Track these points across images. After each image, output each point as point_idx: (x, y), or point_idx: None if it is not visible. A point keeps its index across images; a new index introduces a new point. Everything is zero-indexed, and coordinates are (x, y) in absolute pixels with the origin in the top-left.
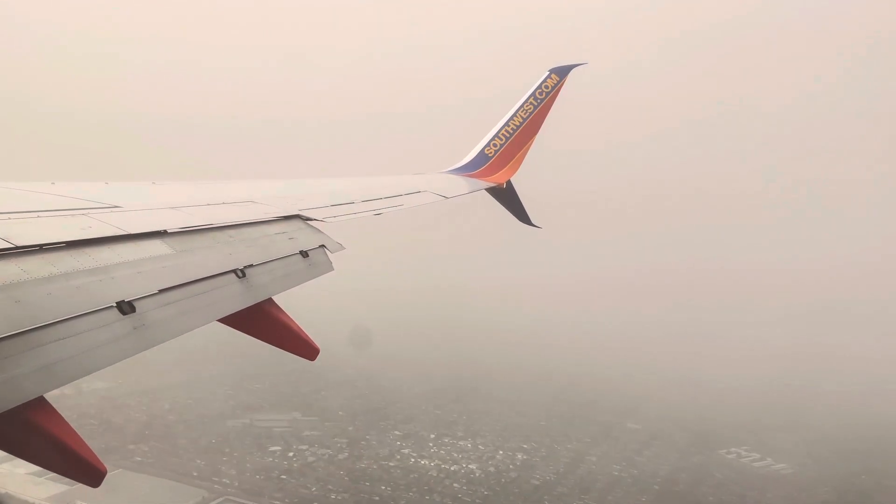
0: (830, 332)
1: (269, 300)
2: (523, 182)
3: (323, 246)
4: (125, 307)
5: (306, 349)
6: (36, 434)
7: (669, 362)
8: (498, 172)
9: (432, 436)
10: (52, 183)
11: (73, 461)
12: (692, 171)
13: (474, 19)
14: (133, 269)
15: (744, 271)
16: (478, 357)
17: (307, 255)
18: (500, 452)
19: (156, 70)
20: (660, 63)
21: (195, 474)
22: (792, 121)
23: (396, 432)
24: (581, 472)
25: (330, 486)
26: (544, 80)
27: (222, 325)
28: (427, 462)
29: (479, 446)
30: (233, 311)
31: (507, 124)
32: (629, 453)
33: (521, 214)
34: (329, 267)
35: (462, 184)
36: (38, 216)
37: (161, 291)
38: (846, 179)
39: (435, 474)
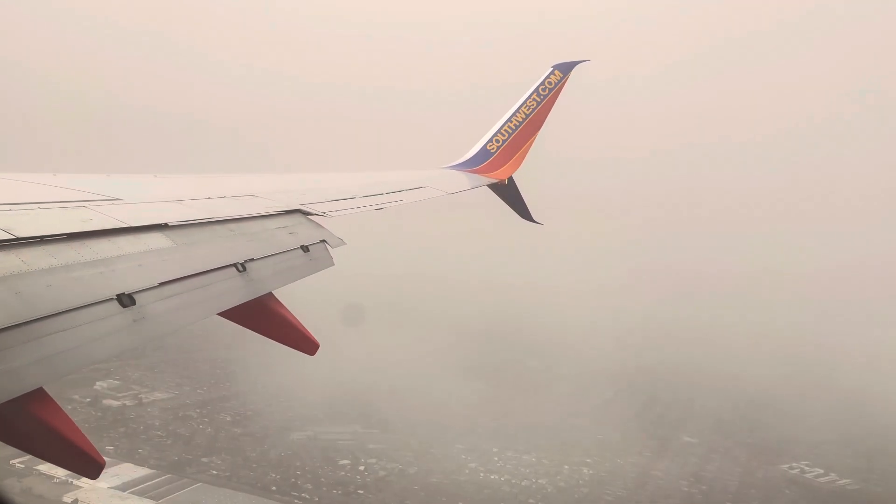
0: (860, 336)
1: (270, 294)
2: (526, 179)
3: (324, 241)
4: (125, 300)
5: (306, 344)
6: (35, 425)
7: (701, 369)
8: (500, 168)
9: (495, 449)
10: (54, 175)
11: (72, 453)
12: (704, 175)
13: (477, 16)
14: (133, 262)
15: (762, 273)
16: (512, 366)
17: (308, 250)
18: (566, 467)
19: (154, 61)
20: (663, 66)
21: (274, 488)
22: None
23: (459, 445)
24: (651, 487)
25: (408, 502)
26: (547, 77)
27: (261, 336)
28: (497, 477)
29: (544, 460)
30: (233, 305)
31: (509, 120)
32: (693, 468)
33: (523, 211)
34: (330, 262)
35: (464, 179)
36: (40, 208)
37: (161, 284)
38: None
39: (508, 489)
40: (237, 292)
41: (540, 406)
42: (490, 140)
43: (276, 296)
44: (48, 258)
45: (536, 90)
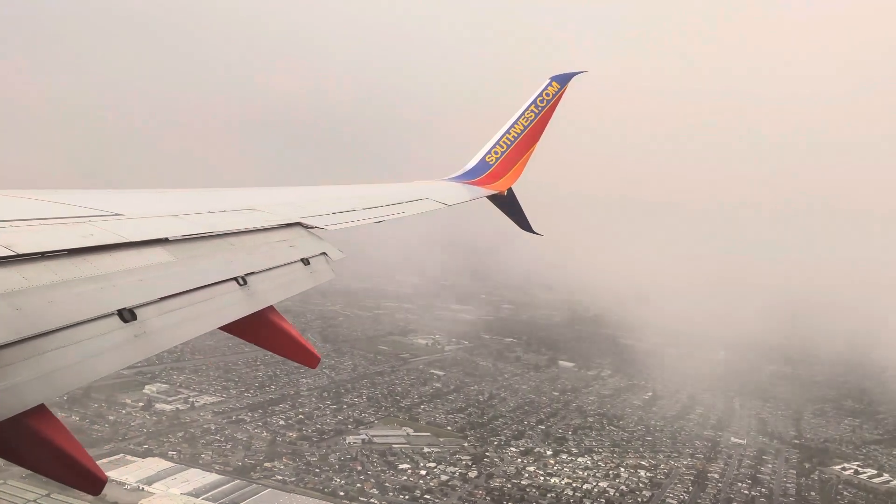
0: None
1: (271, 308)
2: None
3: (324, 253)
4: (126, 315)
5: (307, 357)
6: (37, 442)
7: (734, 368)
8: (499, 180)
9: (549, 452)
10: (55, 191)
11: (73, 469)
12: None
13: (478, 24)
14: (134, 277)
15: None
16: (548, 367)
17: (308, 263)
18: (622, 469)
19: (151, 70)
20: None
21: (342, 494)
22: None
23: (512, 449)
24: (711, 489)
25: None
26: (545, 88)
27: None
28: (557, 480)
29: (599, 463)
30: (234, 319)
31: (507, 132)
32: (747, 469)
33: (523, 222)
34: (330, 274)
35: (463, 191)
36: (40, 224)
37: (162, 299)
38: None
39: (571, 493)
40: (238, 306)
41: (582, 408)
42: (489, 152)
43: (276, 309)
44: (49, 274)
45: (534, 101)
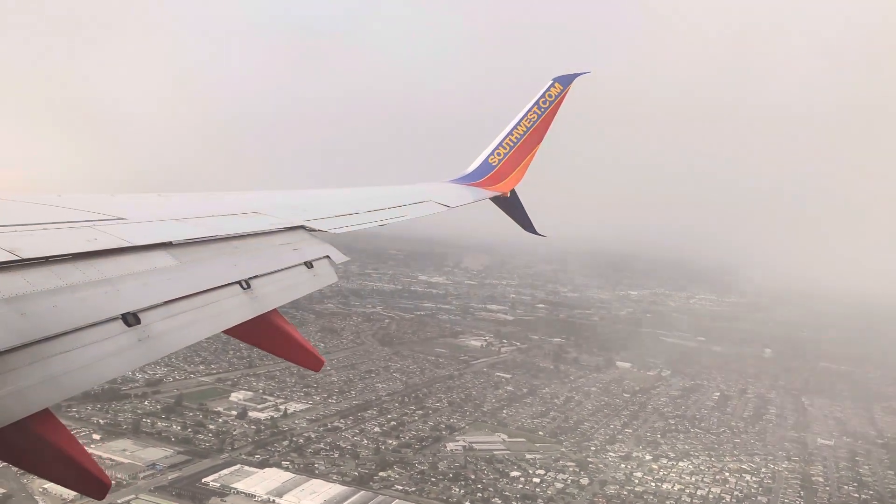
0: None
1: (274, 311)
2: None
3: (327, 256)
4: (130, 319)
5: (311, 360)
6: (42, 446)
7: (791, 368)
8: (502, 181)
9: (648, 457)
10: (58, 195)
11: (78, 474)
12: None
13: (479, 25)
14: (138, 281)
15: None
16: (606, 367)
17: (312, 266)
18: (727, 474)
19: (153, 72)
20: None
21: (468, 503)
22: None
23: (611, 454)
24: (822, 493)
25: None
26: (548, 89)
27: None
28: (669, 486)
29: (701, 467)
30: (238, 323)
31: (510, 133)
32: (847, 472)
33: (526, 223)
34: (333, 277)
35: (466, 193)
36: (45, 228)
37: (166, 303)
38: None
39: (688, 500)
40: (242, 309)
41: (659, 409)
42: (491, 153)
43: (280, 312)
44: (53, 279)
45: (537, 103)
